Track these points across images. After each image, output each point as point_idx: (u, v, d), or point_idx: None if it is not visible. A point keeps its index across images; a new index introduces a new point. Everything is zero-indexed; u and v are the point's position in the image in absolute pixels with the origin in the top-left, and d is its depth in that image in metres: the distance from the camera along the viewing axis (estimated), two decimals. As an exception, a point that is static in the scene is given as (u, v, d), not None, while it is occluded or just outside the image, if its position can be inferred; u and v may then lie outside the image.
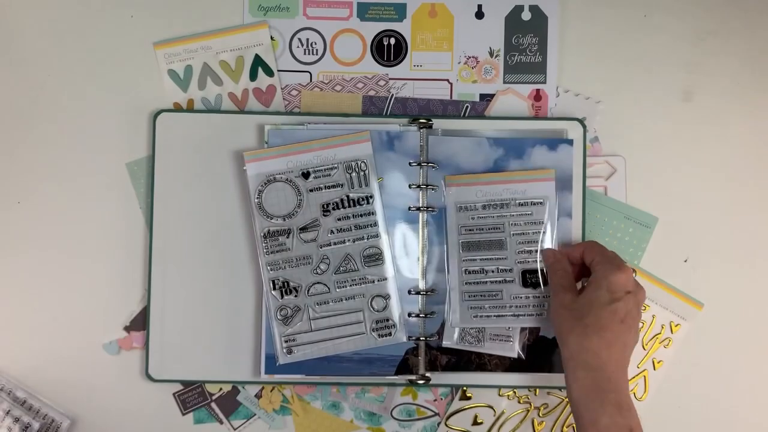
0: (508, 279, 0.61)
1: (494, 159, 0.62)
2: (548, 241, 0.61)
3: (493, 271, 0.62)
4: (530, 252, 0.61)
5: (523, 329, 0.62)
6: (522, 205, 0.62)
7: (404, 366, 0.61)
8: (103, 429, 0.63)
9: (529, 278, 0.61)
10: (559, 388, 0.63)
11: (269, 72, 0.65)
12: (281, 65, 0.65)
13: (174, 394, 0.63)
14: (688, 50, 0.65)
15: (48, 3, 0.65)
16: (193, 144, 0.63)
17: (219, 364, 0.62)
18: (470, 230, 0.62)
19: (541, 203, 0.61)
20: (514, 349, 0.62)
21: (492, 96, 0.65)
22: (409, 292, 0.62)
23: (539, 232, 0.61)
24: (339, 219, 0.61)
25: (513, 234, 0.61)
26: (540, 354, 0.62)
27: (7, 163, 0.64)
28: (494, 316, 0.61)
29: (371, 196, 0.61)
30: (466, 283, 0.62)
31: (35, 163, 0.64)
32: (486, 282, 0.61)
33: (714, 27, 0.65)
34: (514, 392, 0.63)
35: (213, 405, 0.63)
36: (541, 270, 0.61)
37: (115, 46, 0.65)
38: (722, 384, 0.64)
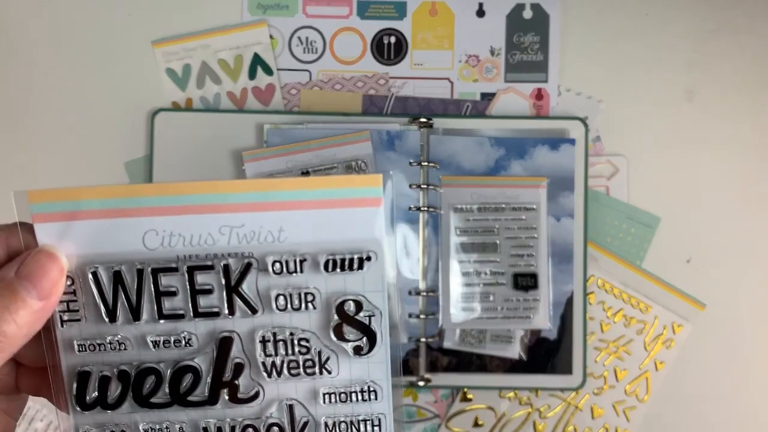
0: (500, 282, 0.61)
1: (495, 158, 0.62)
2: (541, 247, 0.61)
3: (485, 274, 0.61)
4: (522, 256, 0.61)
5: (524, 330, 0.61)
6: (516, 209, 0.61)
7: (404, 367, 0.61)
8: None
9: (520, 281, 0.61)
10: (561, 390, 0.63)
11: (268, 71, 0.64)
12: (280, 64, 0.65)
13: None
14: (690, 49, 0.65)
15: (45, 1, 0.64)
16: (192, 143, 0.63)
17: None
18: (465, 232, 0.62)
19: (534, 209, 0.61)
20: (515, 351, 0.61)
21: (493, 95, 0.65)
22: (410, 293, 0.61)
23: (531, 237, 0.61)
24: (339, 219, 0.61)
25: (506, 237, 0.61)
26: (541, 355, 0.62)
27: (5, 162, 0.64)
28: (486, 318, 0.61)
29: (371, 196, 0.61)
30: (459, 285, 0.61)
31: (33, 162, 0.64)
32: (479, 284, 0.61)
33: (717, 25, 0.65)
34: (516, 394, 0.63)
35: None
36: (534, 274, 0.61)
37: (112, 44, 0.64)
38: (725, 385, 0.63)
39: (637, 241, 0.64)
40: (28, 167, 0.64)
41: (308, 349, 0.30)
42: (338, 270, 0.30)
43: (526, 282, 0.61)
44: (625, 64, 0.65)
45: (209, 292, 0.30)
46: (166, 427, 0.31)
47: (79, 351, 0.30)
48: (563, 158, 0.62)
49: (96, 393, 0.31)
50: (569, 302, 0.62)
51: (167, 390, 0.31)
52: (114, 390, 0.31)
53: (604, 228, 0.64)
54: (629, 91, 0.65)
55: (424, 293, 0.61)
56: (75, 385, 0.30)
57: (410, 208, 0.62)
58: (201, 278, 0.30)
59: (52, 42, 0.64)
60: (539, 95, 0.64)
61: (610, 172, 0.64)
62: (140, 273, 0.30)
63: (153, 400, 0.31)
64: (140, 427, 0.31)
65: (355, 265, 0.30)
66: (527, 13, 0.65)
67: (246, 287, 0.30)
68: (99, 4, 0.65)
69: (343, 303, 0.30)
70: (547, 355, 0.62)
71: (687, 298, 0.63)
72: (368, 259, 0.30)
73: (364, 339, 0.30)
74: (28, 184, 0.64)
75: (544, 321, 0.61)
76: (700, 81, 0.65)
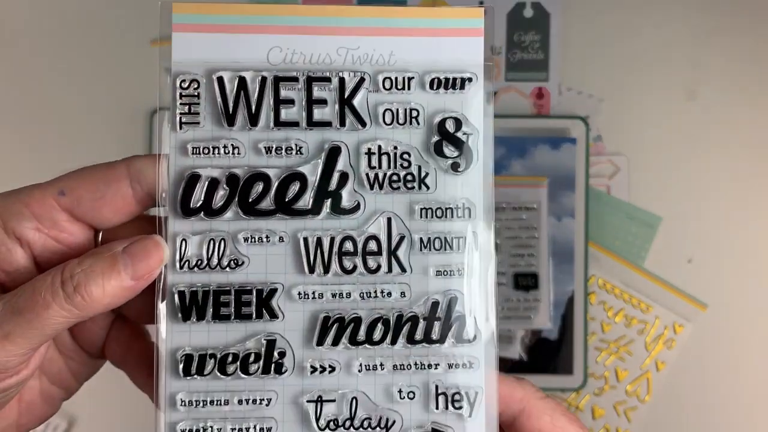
0: (500, 281, 0.61)
1: (496, 158, 0.62)
2: (542, 246, 0.61)
3: (485, 274, 0.62)
4: (522, 256, 0.61)
5: (525, 330, 0.61)
6: (516, 209, 0.61)
7: (404, 367, 0.61)
8: (102, 431, 0.63)
9: (520, 281, 0.61)
10: (562, 390, 0.62)
11: (268, 70, 0.64)
12: (280, 63, 0.64)
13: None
14: (692, 48, 0.65)
15: (43, 1, 0.64)
16: (191, 142, 0.63)
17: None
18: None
19: (534, 208, 0.61)
20: (515, 351, 0.61)
21: (494, 94, 0.64)
22: (410, 292, 0.61)
23: (532, 237, 0.61)
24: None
25: (507, 237, 0.61)
26: (542, 355, 0.61)
27: (3, 162, 0.64)
28: None
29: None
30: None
31: (31, 162, 0.64)
32: (479, 284, 0.61)
33: (718, 24, 0.65)
34: (516, 394, 0.63)
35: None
36: (534, 274, 0.61)
37: (111, 43, 0.64)
38: (726, 386, 0.63)
39: (638, 241, 0.63)
40: (26, 166, 0.64)
41: (409, 164, 0.32)
42: (442, 89, 0.32)
43: (526, 282, 0.61)
44: (626, 63, 0.64)
45: (324, 103, 0.32)
46: (267, 237, 0.32)
47: (192, 154, 0.32)
48: (564, 157, 0.62)
49: (202, 199, 0.32)
50: (570, 302, 0.62)
51: (273, 198, 0.32)
52: (221, 196, 0.32)
53: (605, 228, 0.63)
54: (630, 90, 0.64)
55: (424, 293, 0.61)
56: (182, 190, 0.32)
57: (410, 208, 0.62)
58: (317, 92, 0.32)
59: (51, 41, 0.64)
60: (540, 94, 0.64)
61: (611, 172, 0.64)
62: (263, 82, 0.32)
63: (258, 207, 0.32)
64: (240, 236, 0.32)
65: (458, 85, 0.32)
66: (528, 12, 0.65)
67: (357, 102, 0.32)
68: (98, 3, 0.64)
69: (444, 120, 0.32)
70: (548, 355, 0.61)
71: (688, 298, 0.63)
72: (469, 80, 0.32)
73: (462, 157, 0.32)
74: (24, 183, 0.64)
75: (544, 321, 0.61)
76: (701, 80, 0.64)
